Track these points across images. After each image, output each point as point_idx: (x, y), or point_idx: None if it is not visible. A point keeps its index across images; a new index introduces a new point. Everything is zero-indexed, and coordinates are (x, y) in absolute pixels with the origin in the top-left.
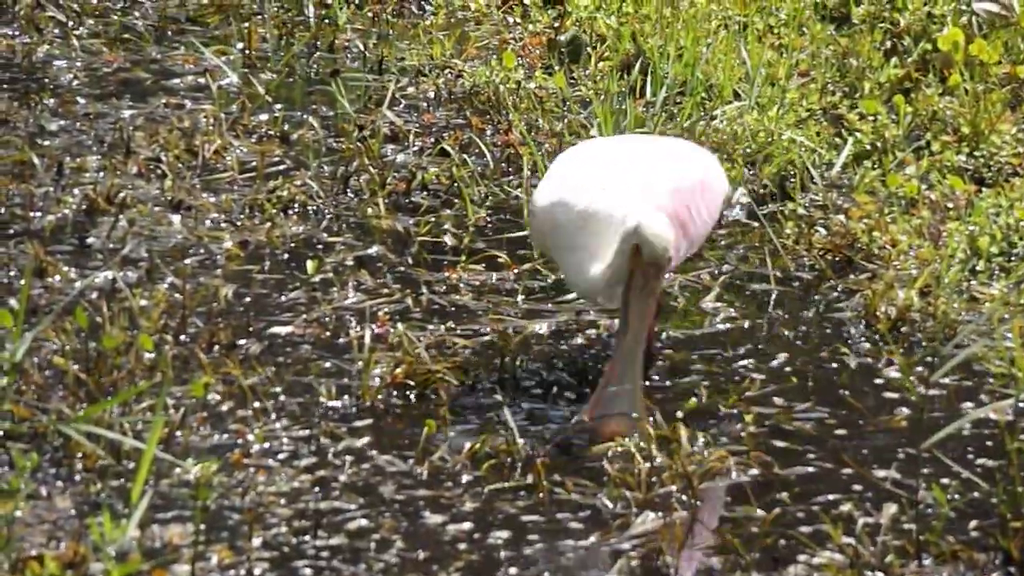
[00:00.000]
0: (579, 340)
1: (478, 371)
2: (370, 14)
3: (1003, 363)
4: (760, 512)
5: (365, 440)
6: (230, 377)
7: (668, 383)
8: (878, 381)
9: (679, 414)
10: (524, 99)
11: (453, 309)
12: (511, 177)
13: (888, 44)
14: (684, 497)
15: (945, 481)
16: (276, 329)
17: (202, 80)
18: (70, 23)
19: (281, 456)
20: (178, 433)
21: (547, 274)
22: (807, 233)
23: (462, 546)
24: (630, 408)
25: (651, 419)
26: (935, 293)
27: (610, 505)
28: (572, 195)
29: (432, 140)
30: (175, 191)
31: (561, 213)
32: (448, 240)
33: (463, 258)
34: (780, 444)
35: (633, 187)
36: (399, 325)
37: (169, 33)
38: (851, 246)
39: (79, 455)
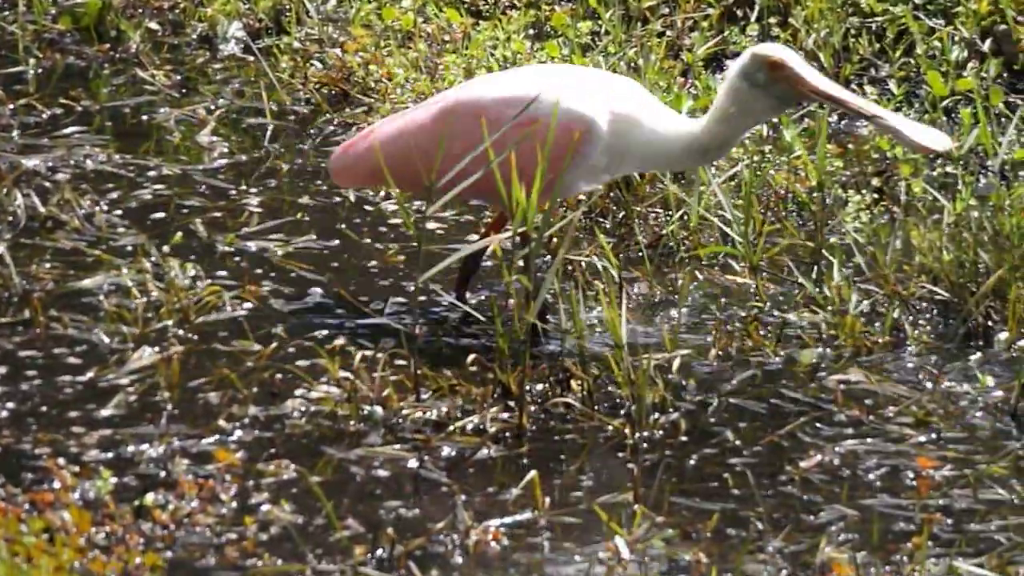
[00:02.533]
0: (70, 176)
1: None
2: None
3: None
4: (257, 346)
5: None
6: None
7: (163, 215)
8: (376, 214)
9: (166, 248)
10: None
11: None
12: (6, 13)
13: None
14: (181, 332)
15: (444, 314)
16: None
17: None
18: None
19: None
20: None
21: (43, 110)
22: (302, 67)
23: None
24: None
25: (148, 253)
26: None
27: (107, 340)
28: (617, 102)
29: None
30: None
31: (626, 124)
32: None
33: None
34: (275, 278)
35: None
36: None
37: None
38: (347, 80)
39: None
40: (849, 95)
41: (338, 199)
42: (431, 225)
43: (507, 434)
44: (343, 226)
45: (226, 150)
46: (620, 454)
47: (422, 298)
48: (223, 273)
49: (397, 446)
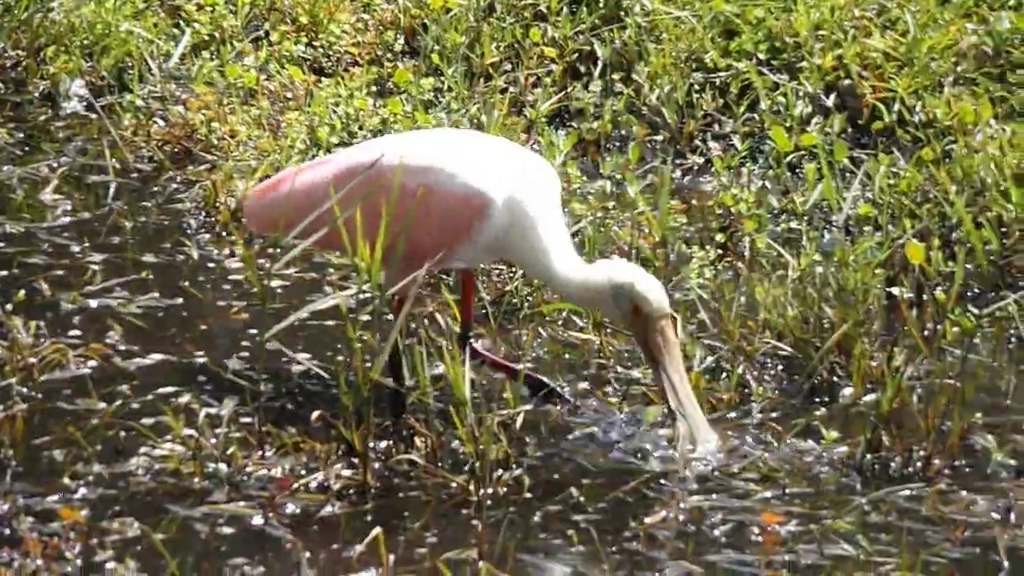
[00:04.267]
0: None
1: None
2: None
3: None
4: (101, 404)
5: None
6: None
7: (5, 273)
8: (219, 272)
9: (9, 306)
10: None
11: None
12: None
13: None
14: (24, 390)
15: (286, 370)
16: None
17: None
18: None
19: None
20: None
21: None
22: (145, 124)
23: None
24: (704, 433)
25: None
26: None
27: None
28: (522, 182)
29: None
30: None
31: (527, 202)
32: None
33: None
34: (119, 335)
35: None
36: None
37: None
38: (190, 137)
39: None
40: (678, 383)
41: (181, 256)
42: (275, 283)
43: (351, 491)
44: (187, 283)
45: (69, 208)
46: (464, 511)
47: (268, 356)
48: (67, 331)
49: (241, 503)
